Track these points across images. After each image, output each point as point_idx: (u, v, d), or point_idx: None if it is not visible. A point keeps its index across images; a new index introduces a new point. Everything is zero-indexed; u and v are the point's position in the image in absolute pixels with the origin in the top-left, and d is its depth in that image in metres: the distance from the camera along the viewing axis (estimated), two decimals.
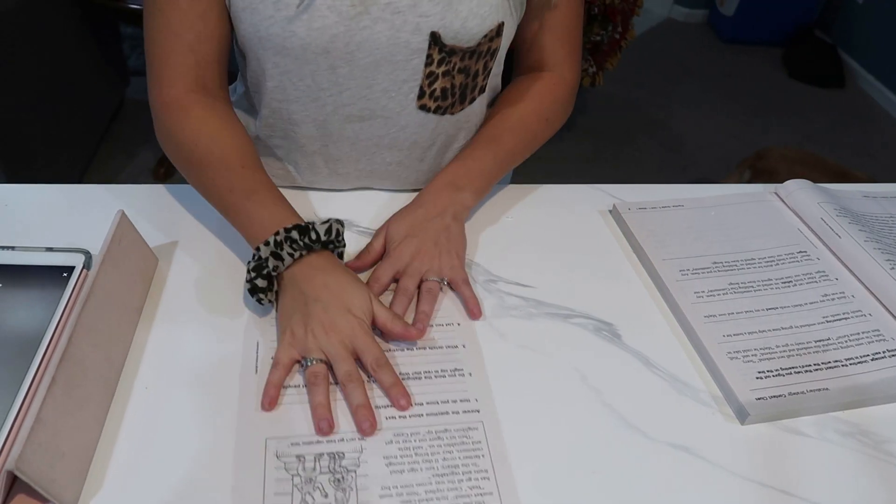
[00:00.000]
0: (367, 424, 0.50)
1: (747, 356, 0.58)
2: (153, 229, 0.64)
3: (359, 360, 0.54)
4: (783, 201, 0.78)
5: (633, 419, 0.53)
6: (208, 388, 0.52)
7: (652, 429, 0.53)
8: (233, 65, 0.72)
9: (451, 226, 0.65)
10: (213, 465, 0.47)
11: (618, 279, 0.66)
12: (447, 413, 0.52)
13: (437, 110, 0.68)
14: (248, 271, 0.56)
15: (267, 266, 0.55)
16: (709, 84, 2.96)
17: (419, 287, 0.62)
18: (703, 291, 0.64)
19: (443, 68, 0.64)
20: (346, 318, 0.54)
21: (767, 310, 0.63)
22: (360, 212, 0.71)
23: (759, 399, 0.54)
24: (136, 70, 2.37)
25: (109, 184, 0.70)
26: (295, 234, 0.56)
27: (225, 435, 0.49)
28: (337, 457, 0.49)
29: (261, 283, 0.55)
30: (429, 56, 0.62)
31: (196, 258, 0.63)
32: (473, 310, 0.60)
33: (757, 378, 0.56)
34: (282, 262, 0.56)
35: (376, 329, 0.57)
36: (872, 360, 0.59)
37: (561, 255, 0.68)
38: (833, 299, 0.65)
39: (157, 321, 0.57)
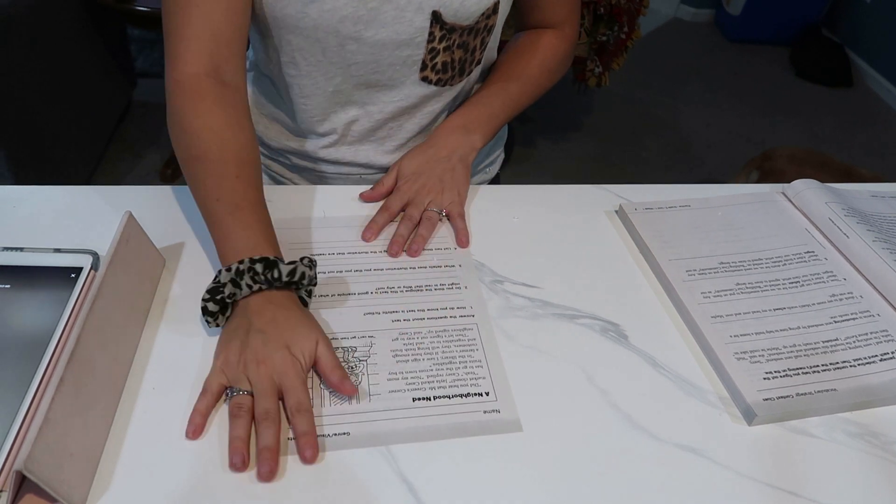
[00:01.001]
0: (265, 469, 0.46)
1: (754, 357, 0.58)
2: (160, 230, 0.64)
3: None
4: (790, 201, 0.77)
5: (640, 420, 0.53)
6: None
7: (659, 429, 0.53)
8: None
9: (456, 167, 0.72)
10: (222, 464, 0.47)
11: (624, 279, 0.66)
12: (445, 318, 0.60)
13: (438, 82, 0.73)
14: (206, 291, 0.54)
15: (222, 292, 0.53)
16: (715, 84, 2.95)
17: (421, 216, 0.69)
18: (710, 292, 0.64)
19: (443, 44, 0.69)
20: (281, 354, 0.51)
21: (775, 310, 0.62)
22: (359, 209, 0.71)
23: (766, 400, 0.54)
24: (143, 72, 2.38)
25: (117, 185, 0.71)
26: (259, 267, 0.54)
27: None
28: (350, 350, 0.56)
29: (212, 307, 0.54)
30: (430, 33, 0.68)
31: (202, 259, 0.63)
32: (462, 239, 0.68)
33: (764, 379, 0.56)
34: (239, 290, 0.54)
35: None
36: (881, 360, 0.58)
37: (567, 256, 0.68)
38: (841, 300, 0.64)
39: (164, 322, 0.57)
